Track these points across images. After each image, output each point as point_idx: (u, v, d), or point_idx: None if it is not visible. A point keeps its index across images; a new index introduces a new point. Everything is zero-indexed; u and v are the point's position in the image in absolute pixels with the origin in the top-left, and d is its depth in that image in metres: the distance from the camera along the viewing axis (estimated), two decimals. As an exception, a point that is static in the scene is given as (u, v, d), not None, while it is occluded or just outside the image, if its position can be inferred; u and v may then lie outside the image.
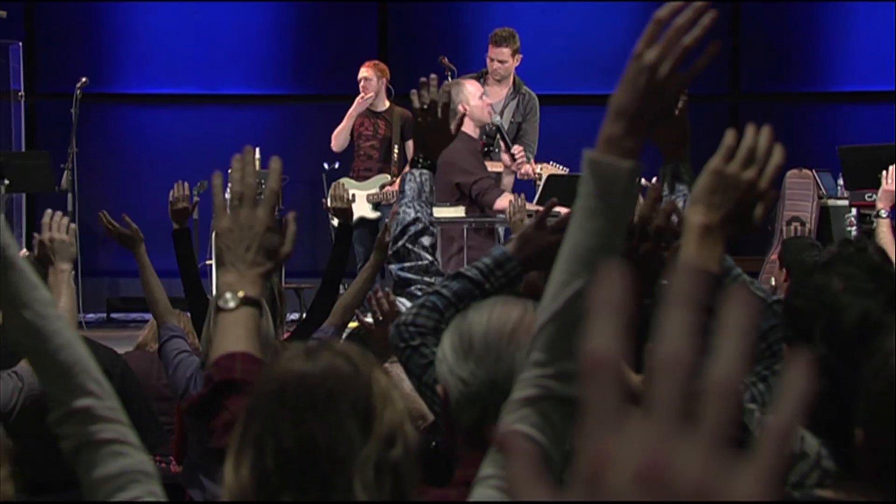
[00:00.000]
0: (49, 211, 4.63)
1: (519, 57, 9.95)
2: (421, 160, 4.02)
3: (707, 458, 0.79)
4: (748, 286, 3.54)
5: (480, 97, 9.07)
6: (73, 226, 4.55)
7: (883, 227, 7.30)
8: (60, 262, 4.44)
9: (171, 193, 6.43)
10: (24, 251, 4.79)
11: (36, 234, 4.58)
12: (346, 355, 2.10)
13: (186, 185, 6.41)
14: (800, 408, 0.81)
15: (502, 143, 8.93)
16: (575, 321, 2.11)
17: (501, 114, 9.73)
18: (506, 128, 9.75)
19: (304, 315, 6.66)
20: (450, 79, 9.87)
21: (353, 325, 5.93)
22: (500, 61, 9.86)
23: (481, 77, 9.79)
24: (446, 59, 10.07)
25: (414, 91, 4.05)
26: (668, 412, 0.81)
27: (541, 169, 9.85)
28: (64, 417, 2.19)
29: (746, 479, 0.79)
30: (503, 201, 8.91)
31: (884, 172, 7.85)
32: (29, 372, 4.32)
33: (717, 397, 0.81)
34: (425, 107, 4.02)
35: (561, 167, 9.91)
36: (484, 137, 9.68)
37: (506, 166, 9.42)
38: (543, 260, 3.54)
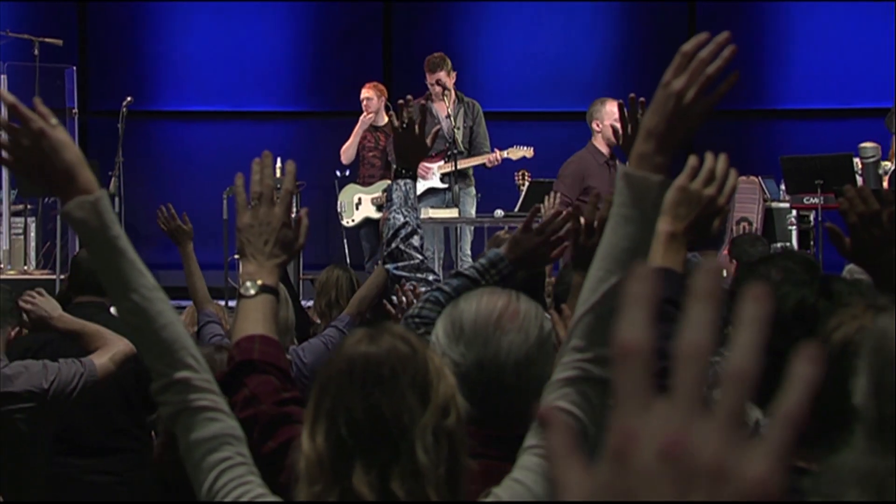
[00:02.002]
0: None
1: (454, 74, 10.07)
2: (403, 171, 3.99)
3: (723, 439, 0.78)
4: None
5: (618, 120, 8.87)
6: (40, 289, 4.58)
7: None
8: (54, 312, 4.50)
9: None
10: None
11: (22, 313, 4.60)
12: (404, 338, 2.10)
13: None
14: (807, 395, 0.79)
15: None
16: (610, 312, 2.13)
17: (454, 121, 9.78)
18: (461, 133, 9.86)
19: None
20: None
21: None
22: (438, 84, 9.97)
23: (427, 100, 9.86)
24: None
25: (393, 113, 4.03)
26: (689, 397, 0.80)
27: (507, 153, 10.00)
28: (165, 387, 2.19)
29: (757, 459, 0.78)
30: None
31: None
32: (91, 362, 4.33)
33: (733, 384, 0.80)
34: (405, 125, 3.99)
35: (524, 147, 9.98)
36: (446, 143, 9.71)
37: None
38: (532, 259, 3.51)
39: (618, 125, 9.25)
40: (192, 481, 2.17)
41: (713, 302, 0.82)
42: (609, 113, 8.78)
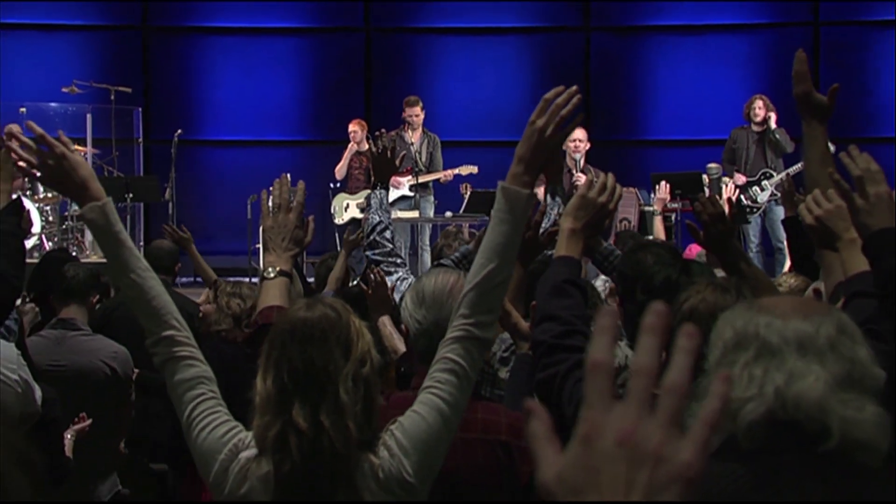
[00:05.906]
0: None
1: (423, 111, 10.19)
2: (379, 184, 4.00)
3: (663, 433, 0.80)
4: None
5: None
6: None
7: (656, 222, 7.35)
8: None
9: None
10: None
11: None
12: (332, 307, 2.08)
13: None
14: (719, 413, 0.80)
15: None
16: (488, 290, 2.12)
17: (420, 149, 9.88)
18: (423, 156, 9.98)
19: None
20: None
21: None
22: (416, 116, 10.09)
23: (402, 129, 9.99)
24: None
25: (370, 140, 4.05)
26: (639, 402, 0.81)
27: (458, 170, 10.11)
28: (157, 342, 2.18)
29: (687, 448, 0.79)
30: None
31: (658, 185, 7.88)
32: None
33: (671, 394, 0.81)
34: (380, 150, 4.02)
35: (470, 165, 10.11)
36: (412, 163, 9.82)
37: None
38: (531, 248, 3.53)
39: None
40: (176, 412, 2.15)
41: (659, 334, 0.83)
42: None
